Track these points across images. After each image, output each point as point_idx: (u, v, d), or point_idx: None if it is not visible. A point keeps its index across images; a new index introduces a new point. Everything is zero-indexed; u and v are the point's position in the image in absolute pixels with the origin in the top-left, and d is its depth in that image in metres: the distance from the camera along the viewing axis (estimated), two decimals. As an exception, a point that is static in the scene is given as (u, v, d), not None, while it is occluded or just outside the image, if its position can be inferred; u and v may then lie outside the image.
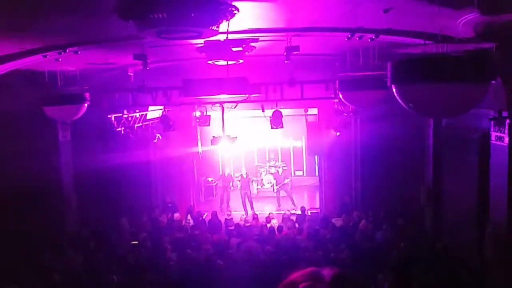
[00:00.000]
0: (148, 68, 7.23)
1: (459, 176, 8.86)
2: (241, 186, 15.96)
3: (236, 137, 10.81)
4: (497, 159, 6.98)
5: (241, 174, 16.23)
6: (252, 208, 15.39)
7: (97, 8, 4.35)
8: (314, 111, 13.95)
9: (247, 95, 8.49)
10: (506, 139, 6.60)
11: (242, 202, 15.65)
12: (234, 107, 10.52)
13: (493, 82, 3.61)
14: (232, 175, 17.00)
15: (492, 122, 6.90)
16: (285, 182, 16.05)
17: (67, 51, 6.30)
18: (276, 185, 16.22)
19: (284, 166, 17.75)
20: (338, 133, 12.39)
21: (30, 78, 8.08)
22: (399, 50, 6.19)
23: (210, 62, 7.38)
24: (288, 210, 13.97)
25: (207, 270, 8.41)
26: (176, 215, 12.51)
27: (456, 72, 3.35)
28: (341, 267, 6.93)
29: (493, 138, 7.00)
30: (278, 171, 16.60)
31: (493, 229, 7.09)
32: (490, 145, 7.13)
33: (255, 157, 18.70)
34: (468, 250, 8.30)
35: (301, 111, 14.18)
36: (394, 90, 3.73)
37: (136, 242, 10.04)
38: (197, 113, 11.83)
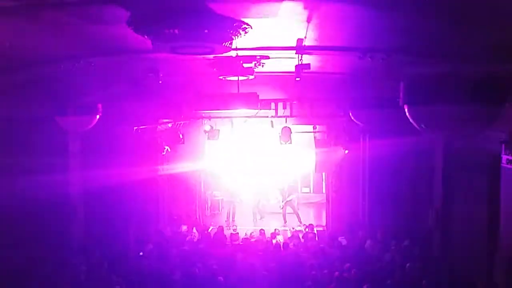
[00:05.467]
0: (160, 81, 7.30)
1: (468, 199, 8.76)
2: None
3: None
4: (508, 182, 6.90)
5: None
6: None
7: (112, 20, 4.41)
8: (323, 128, 13.94)
9: (257, 111, 8.53)
10: (517, 163, 6.54)
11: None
12: (244, 122, 10.56)
13: (506, 104, 3.59)
14: (238, 189, 16.99)
15: (503, 145, 6.83)
16: (289, 198, 15.95)
17: (81, 62, 6.39)
18: (282, 201, 16.15)
19: (291, 182, 17.67)
20: (346, 151, 12.35)
21: (42, 87, 8.18)
22: (412, 70, 6.20)
23: (221, 77, 7.44)
24: (293, 227, 13.85)
25: (210, 285, 8.34)
26: (184, 228, 12.49)
27: (470, 94, 3.35)
28: (346, 287, 6.87)
29: (503, 161, 6.93)
30: (283, 187, 16.54)
31: (504, 253, 6.96)
32: (500, 168, 7.05)
33: (262, 172, 18.66)
34: (477, 274, 8.16)
35: (310, 128, 14.18)
36: (406, 110, 3.72)
37: (141, 254, 10.01)
38: (207, 127, 11.89)
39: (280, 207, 16.31)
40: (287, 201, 15.93)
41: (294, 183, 17.73)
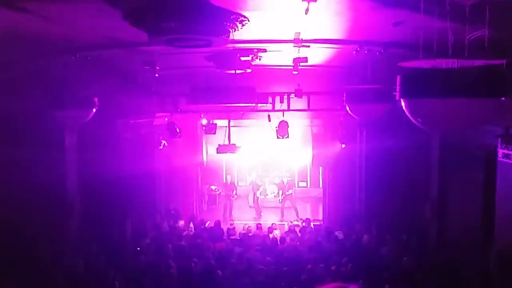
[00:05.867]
0: (156, 75, 7.27)
1: (464, 193, 8.79)
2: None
3: (239, 146, 10.84)
4: (504, 176, 6.93)
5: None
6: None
7: (109, 13, 4.38)
8: (320, 122, 13.96)
9: (254, 105, 8.51)
10: (513, 157, 6.56)
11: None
12: (241, 116, 10.54)
13: (502, 98, 3.59)
14: (236, 183, 17.01)
15: (499, 139, 6.86)
16: (288, 192, 16.00)
17: (77, 55, 6.36)
18: (281, 196, 16.19)
19: (289, 177, 17.71)
20: (343, 145, 12.37)
21: (38, 81, 8.14)
22: (409, 64, 6.22)
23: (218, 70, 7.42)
24: (291, 221, 13.90)
25: (207, 279, 8.36)
26: (181, 222, 12.50)
27: (466, 88, 3.34)
28: (343, 281, 6.90)
29: (499, 155, 6.95)
30: (283, 181, 16.55)
31: (499, 247, 7.01)
32: (496, 162, 7.08)
33: (259, 166, 18.70)
34: (473, 266, 8.22)
35: (307, 122, 14.19)
36: (403, 104, 3.71)
37: (139, 249, 10.02)
38: (204, 121, 11.87)
39: (279, 201, 16.37)
40: (286, 195, 15.98)
41: (291, 177, 17.80)
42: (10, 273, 7.83)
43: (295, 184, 17.81)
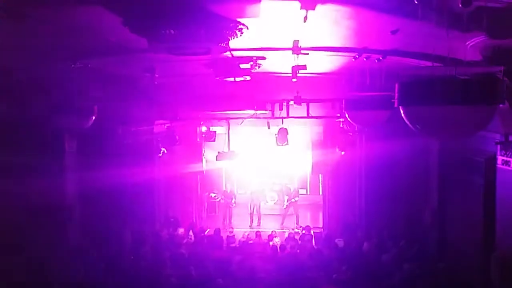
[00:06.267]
0: (156, 82, 7.29)
1: (464, 199, 8.79)
2: None
3: (239, 153, 10.86)
4: (503, 182, 6.93)
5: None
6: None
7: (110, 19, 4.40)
8: (319, 129, 13.96)
9: (253, 112, 8.54)
10: (513, 163, 6.57)
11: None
12: (240, 124, 10.56)
13: (501, 105, 3.60)
14: (235, 191, 16.97)
15: (498, 146, 6.87)
16: (294, 199, 16.01)
17: (78, 63, 6.39)
18: (286, 202, 16.15)
19: (288, 184, 17.68)
20: (343, 152, 12.36)
21: (38, 88, 8.16)
22: (407, 71, 6.25)
23: (217, 78, 7.44)
24: (292, 229, 13.87)
25: (207, 287, 8.32)
26: (181, 230, 12.46)
27: (464, 95, 3.36)
28: (343, 288, 6.85)
29: (499, 162, 6.97)
30: (289, 188, 16.53)
31: (500, 253, 6.99)
32: (496, 169, 7.09)
33: (259, 174, 18.69)
34: (473, 273, 8.19)
35: (307, 129, 14.20)
36: (401, 111, 3.73)
37: (133, 258, 9.97)
38: (203, 129, 11.88)
39: (283, 206, 16.32)
40: (291, 201, 15.95)
41: (293, 184, 17.77)
42: (7, 280, 7.79)
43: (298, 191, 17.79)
